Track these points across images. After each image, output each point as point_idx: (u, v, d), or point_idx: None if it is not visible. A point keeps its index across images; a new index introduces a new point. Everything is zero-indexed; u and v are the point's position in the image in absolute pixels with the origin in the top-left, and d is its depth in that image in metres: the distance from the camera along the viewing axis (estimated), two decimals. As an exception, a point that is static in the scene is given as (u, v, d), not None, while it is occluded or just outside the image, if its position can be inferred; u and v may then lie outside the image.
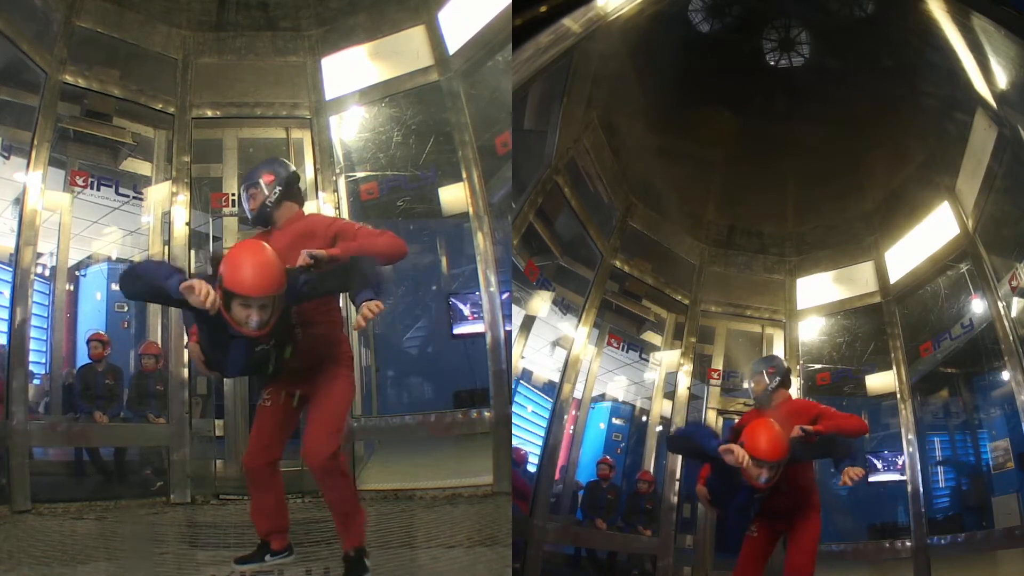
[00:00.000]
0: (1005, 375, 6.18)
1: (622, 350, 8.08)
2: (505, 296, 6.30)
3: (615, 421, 9.43)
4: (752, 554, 3.73)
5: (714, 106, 7.61)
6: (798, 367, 7.60)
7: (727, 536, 8.43)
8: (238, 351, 2.96)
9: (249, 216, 3.43)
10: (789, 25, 7.86)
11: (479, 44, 6.29)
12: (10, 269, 5.85)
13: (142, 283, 2.96)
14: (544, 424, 7.03)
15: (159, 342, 6.72)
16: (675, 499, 7.13)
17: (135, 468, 6.55)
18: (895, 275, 7.36)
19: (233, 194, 6.82)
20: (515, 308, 6.79)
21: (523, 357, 7.47)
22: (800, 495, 3.70)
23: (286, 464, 3.41)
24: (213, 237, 6.90)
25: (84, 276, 8.49)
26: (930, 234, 6.97)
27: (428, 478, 5.65)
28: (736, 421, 4.03)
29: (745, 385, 3.91)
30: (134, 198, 7.10)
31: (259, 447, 3.29)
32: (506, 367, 6.13)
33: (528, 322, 7.23)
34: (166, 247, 6.43)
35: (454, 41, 6.42)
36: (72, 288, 7.97)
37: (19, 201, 5.91)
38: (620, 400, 9.33)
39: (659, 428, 8.05)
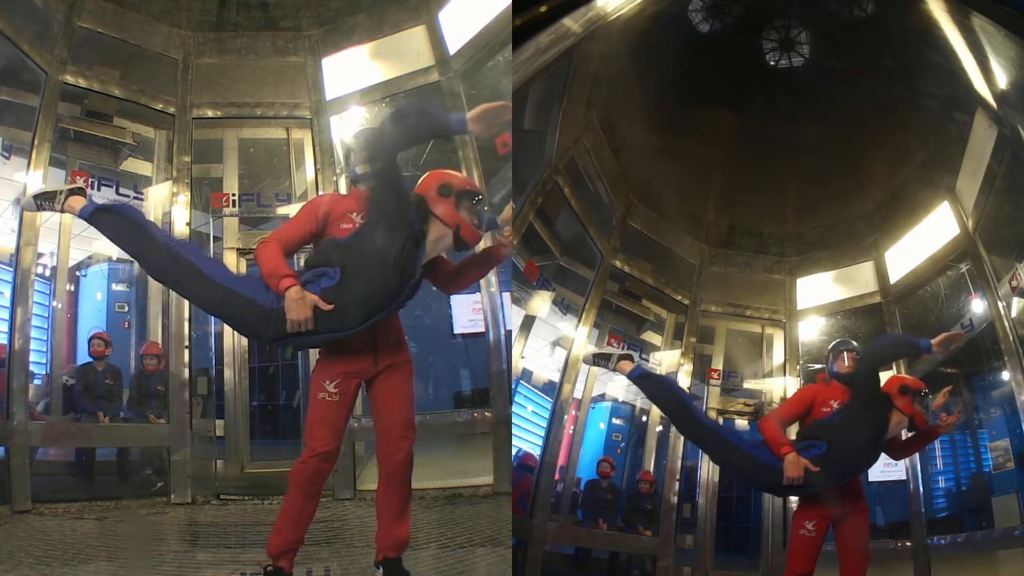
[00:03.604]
0: (1005, 375, 6.18)
1: (622, 350, 8.07)
2: (505, 296, 6.31)
3: (615, 421, 9.44)
4: (808, 550, 3.73)
5: (714, 106, 7.62)
6: (798, 367, 7.61)
7: (727, 536, 8.47)
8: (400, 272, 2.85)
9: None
10: (789, 25, 7.86)
11: (479, 44, 6.29)
12: (10, 269, 5.85)
13: (415, 119, 2.89)
14: (544, 424, 7.04)
15: (160, 342, 6.72)
16: (675, 499, 7.13)
17: (136, 468, 6.55)
18: (895, 275, 7.35)
19: (233, 194, 6.84)
20: (515, 308, 6.79)
21: (523, 357, 7.47)
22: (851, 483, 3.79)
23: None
24: (214, 237, 6.90)
25: (84, 276, 8.50)
26: (930, 234, 6.96)
27: (428, 478, 5.65)
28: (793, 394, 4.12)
29: (829, 365, 4.03)
30: (135, 198, 7.09)
31: (319, 443, 3.01)
32: (506, 367, 6.13)
33: (528, 322, 7.23)
34: (166, 247, 6.42)
35: (454, 41, 6.42)
36: (72, 288, 7.98)
37: (19, 201, 5.91)
38: (620, 400, 9.34)
39: (659, 428, 8.05)
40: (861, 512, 3.82)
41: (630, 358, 4.07)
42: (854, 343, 4.13)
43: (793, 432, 3.95)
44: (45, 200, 3.15)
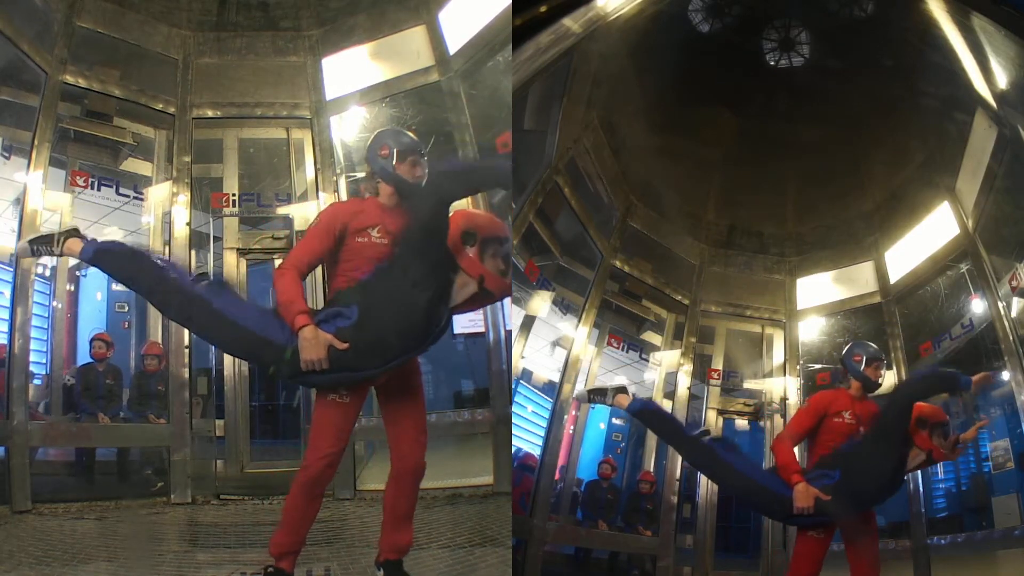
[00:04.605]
0: (1005, 375, 6.17)
1: (622, 350, 8.08)
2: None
3: (615, 421, 9.43)
4: (814, 553, 3.70)
5: (714, 106, 7.61)
6: (798, 367, 7.61)
7: (727, 536, 8.46)
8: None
9: (405, 182, 3.11)
10: (789, 25, 7.86)
11: (479, 44, 6.29)
12: (10, 269, 5.86)
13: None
14: (544, 424, 7.03)
15: (160, 342, 6.72)
16: (675, 499, 7.13)
17: (136, 468, 6.55)
18: (895, 275, 7.35)
19: (233, 194, 6.84)
20: (515, 308, 6.78)
21: (523, 357, 7.46)
22: None
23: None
24: (214, 237, 6.90)
25: (84, 276, 8.49)
26: (930, 234, 6.96)
27: (428, 478, 5.61)
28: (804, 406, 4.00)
29: (854, 366, 3.90)
30: (135, 198, 7.11)
31: (327, 446, 3.00)
32: (506, 367, 6.14)
33: (528, 322, 7.22)
34: (167, 247, 6.43)
35: (454, 41, 6.42)
36: (72, 288, 7.97)
37: (19, 201, 5.91)
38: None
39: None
40: (871, 520, 3.84)
41: (625, 391, 4.07)
42: (877, 347, 4.02)
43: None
44: (41, 245, 3.12)
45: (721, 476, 3.85)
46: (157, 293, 3.00)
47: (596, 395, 4.19)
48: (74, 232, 3.12)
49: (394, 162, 3.11)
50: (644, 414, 4.15)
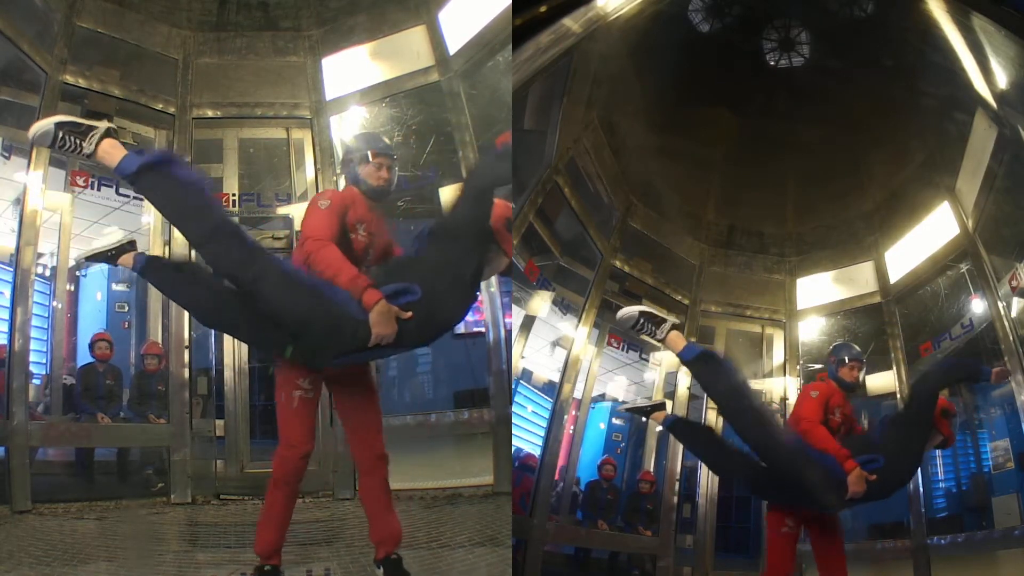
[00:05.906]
0: (1005, 375, 6.18)
1: (622, 350, 8.08)
2: (505, 296, 6.31)
3: (615, 421, 9.43)
4: (788, 550, 3.80)
5: (714, 106, 7.62)
6: (798, 367, 7.61)
7: (727, 536, 8.46)
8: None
9: (378, 189, 3.17)
10: (789, 25, 7.86)
11: (479, 44, 6.29)
12: (10, 269, 5.85)
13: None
14: (544, 424, 7.04)
15: (160, 342, 6.72)
16: (675, 499, 7.13)
17: (136, 468, 6.55)
18: (895, 275, 7.35)
19: (233, 194, 6.84)
20: (515, 308, 6.79)
21: (523, 357, 7.46)
22: None
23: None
24: (213, 237, 6.89)
25: (84, 276, 8.49)
26: (930, 234, 6.96)
27: (428, 478, 5.65)
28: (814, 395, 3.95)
29: (832, 368, 3.97)
30: (135, 198, 7.11)
31: (303, 442, 3.03)
32: (506, 367, 6.14)
33: (528, 322, 7.23)
34: (167, 247, 6.43)
35: (454, 41, 6.42)
36: (72, 288, 7.97)
37: (19, 201, 5.91)
38: (620, 400, 9.33)
39: (659, 428, 8.04)
40: (836, 517, 3.93)
41: (663, 407, 4.19)
42: (859, 350, 4.09)
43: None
44: (70, 134, 2.42)
45: (766, 453, 3.57)
46: (214, 241, 2.51)
47: (648, 322, 3.70)
48: (113, 132, 2.49)
49: (357, 167, 3.20)
50: (676, 427, 4.30)
